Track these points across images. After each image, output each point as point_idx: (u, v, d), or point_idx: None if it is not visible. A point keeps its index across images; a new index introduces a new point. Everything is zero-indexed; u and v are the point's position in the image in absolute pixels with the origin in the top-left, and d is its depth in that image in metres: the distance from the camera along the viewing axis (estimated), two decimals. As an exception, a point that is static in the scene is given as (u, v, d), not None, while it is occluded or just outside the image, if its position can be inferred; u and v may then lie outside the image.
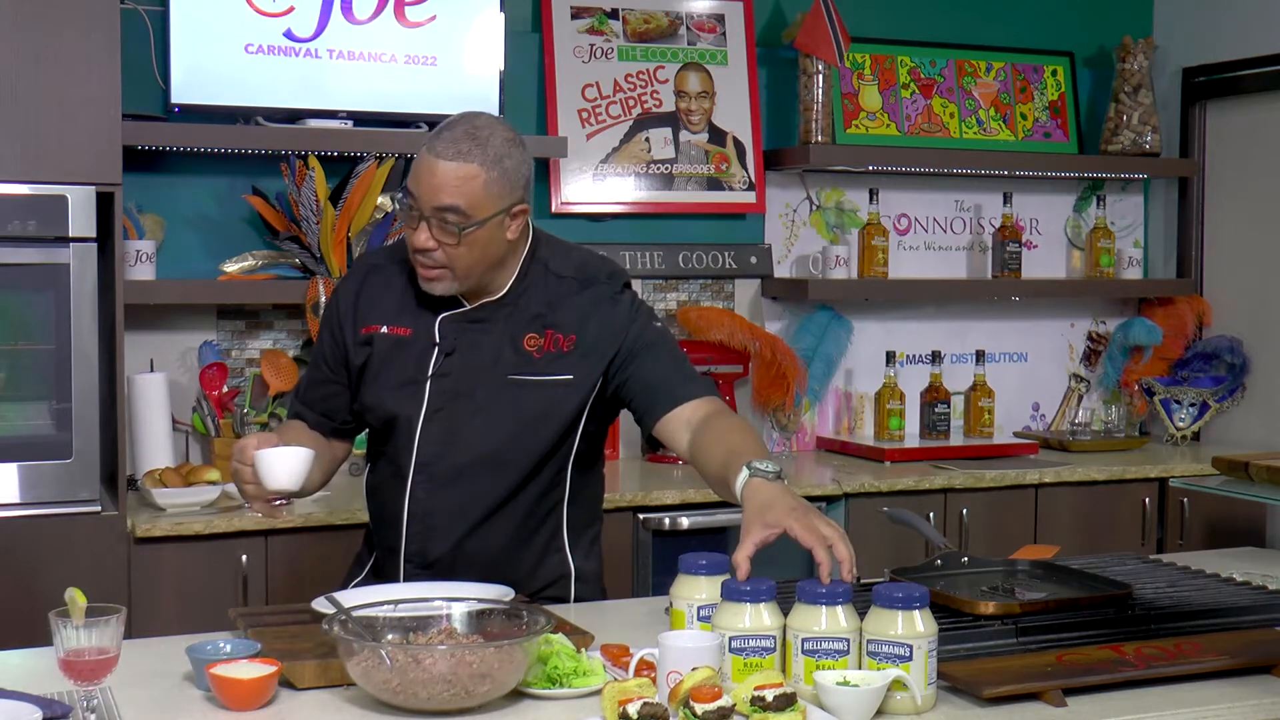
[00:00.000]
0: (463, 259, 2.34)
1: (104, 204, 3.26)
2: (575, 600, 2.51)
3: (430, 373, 2.41)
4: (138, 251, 3.61)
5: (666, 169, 4.34)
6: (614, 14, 4.33)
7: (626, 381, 2.43)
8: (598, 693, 1.91)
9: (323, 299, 3.63)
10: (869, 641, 1.92)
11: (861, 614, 1.95)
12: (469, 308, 2.44)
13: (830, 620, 1.92)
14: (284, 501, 2.38)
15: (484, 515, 2.42)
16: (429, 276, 2.37)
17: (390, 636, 1.99)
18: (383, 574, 2.51)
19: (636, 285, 4.32)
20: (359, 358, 2.47)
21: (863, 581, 2.36)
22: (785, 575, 2.69)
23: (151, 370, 3.73)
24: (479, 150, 2.30)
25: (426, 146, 2.34)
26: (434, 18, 3.90)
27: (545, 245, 2.49)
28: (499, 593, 2.28)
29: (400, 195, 2.38)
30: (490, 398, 2.40)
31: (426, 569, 2.44)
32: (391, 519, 2.48)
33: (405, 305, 2.46)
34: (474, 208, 2.31)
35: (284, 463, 2.25)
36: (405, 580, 2.44)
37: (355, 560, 2.63)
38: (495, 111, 3.93)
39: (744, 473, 2.16)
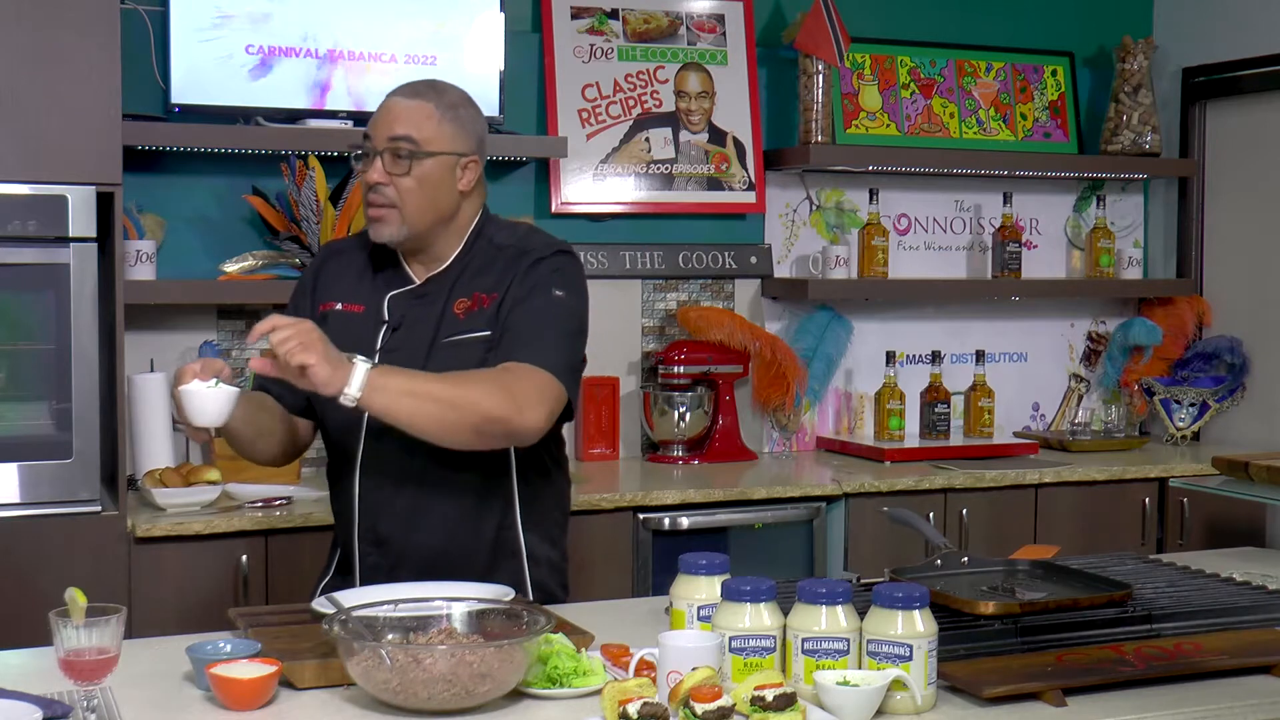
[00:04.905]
0: (412, 196, 2.41)
1: (104, 204, 3.26)
2: (532, 585, 2.50)
3: (379, 348, 2.45)
4: (138, 251, 3.61)
5: (666, 169, 4.34)
6: (614, 14, 4.33)
7: (501, 334, 2.42)
8: (598, 693, 1.91)
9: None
10: (869, 641, 1.92)
11: (861, 614, 1.95)
12: (416, 284, 2.49)
13: (830, 620, 1.92)
14: (213, 435, 2.38)
15: (430, 488, 2.42)
16: (378, 216, 2.43)
17: (390, 636, 1.99)
18: (344, 565, 2.52)
19: (635, 285, 4.35)
20: None
21: (863, 581, 2.37)
22: (785, 575, 2.69)
23: (151, 370, 3.73)
24: (435, 94, 2.46)
25: (387, 95, 2.48)
26: (433, 17, 3.90)
27: (493, 224, 2.55)
28: (499, 593, 2.28)
29: (358, 143, 2.46)
30: (429, 366, 2.41)
31: (378, 547, 2.46)
32: (346, 501, 2.51)
33: (361, 284, 2.53)
34: (426, 140, 2.41)
35: (206, 401, 2.25)
36: (361, 563, 2.47)
37: (326, 562, 2.62)
38: (495, 112, 3.94)
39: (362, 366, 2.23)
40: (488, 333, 2.42)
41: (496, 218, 2.57)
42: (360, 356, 2.25)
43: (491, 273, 2.46)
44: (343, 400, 2.22)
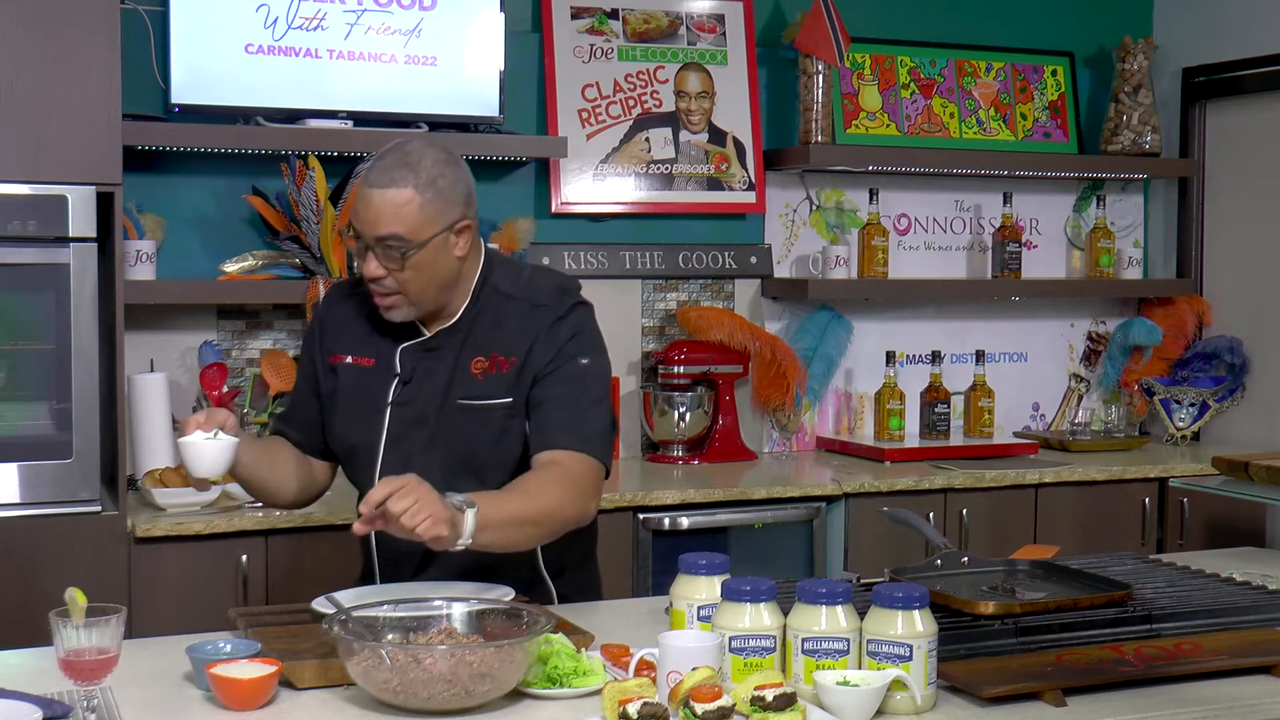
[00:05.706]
0: (413, 283, 2.38)
1: (104, 204, 3.26)
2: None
3: (390, 401, 2.45)
4: (138, 251, 3.61)
5: (666, 169, 4.34)
6: (614, 14, 4.33)
7: (529, 405, 2.43)
8: (598, 693, 1.91)
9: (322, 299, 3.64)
10: (869, 641, 1.92)
11: (861, 614, 1.95)
12: (427, 336, 2.47)
13: (830, 620, 1.92)
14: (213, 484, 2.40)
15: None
16: (385, 304, 2.42)
17: (390, 636, 1.99)
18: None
19: (635, 285, 4.36)
20: (327, 385, 2.53)
21: (863, 581, 2.37)
22: (785, 575, 2.69)
23: (151, 370, 3.73)
24: (410, 175, 2.34)
25: (361, 178, 2.39)
26: (434, 17, 3.90)
27: (498, 269, 2.51)
28: (499, 593, 2.28)
29: (345, 229, 2.42)
30: (442, 424, 2.43)
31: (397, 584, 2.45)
32: (365, 547, 2.53)
33: (370, 334, 2.51)
34: (413, 232, 2.34)
35: (204, 453, 2.26)
36: None
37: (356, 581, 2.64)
38: (495, 112, 3.95)
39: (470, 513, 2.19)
40: (509, 400, 2.42)
41: (498, 257, 2.55)
42: (458, 497, 2.18)
43: (505, 327, 2.44)
44: (452, 549, 2.20)
